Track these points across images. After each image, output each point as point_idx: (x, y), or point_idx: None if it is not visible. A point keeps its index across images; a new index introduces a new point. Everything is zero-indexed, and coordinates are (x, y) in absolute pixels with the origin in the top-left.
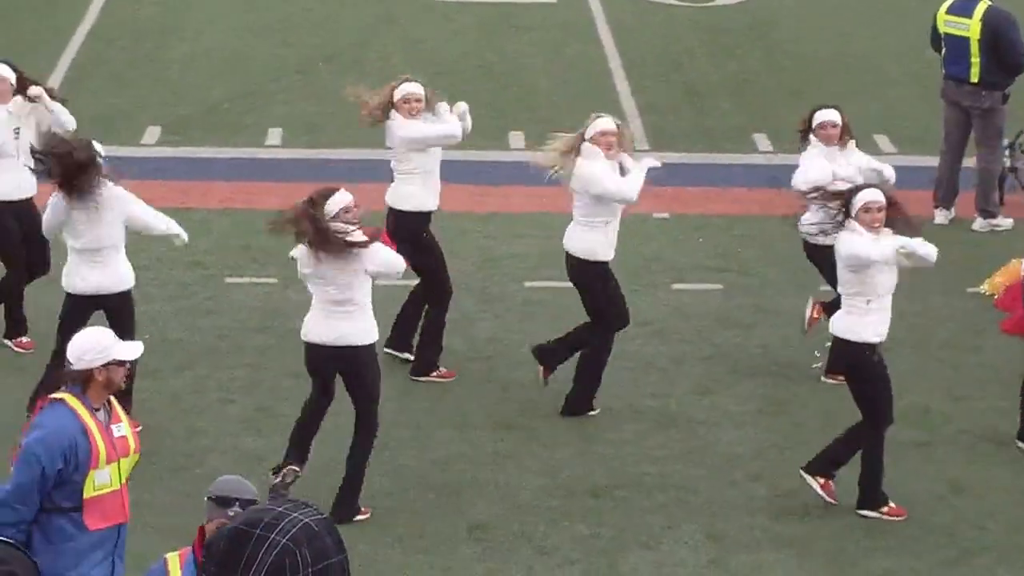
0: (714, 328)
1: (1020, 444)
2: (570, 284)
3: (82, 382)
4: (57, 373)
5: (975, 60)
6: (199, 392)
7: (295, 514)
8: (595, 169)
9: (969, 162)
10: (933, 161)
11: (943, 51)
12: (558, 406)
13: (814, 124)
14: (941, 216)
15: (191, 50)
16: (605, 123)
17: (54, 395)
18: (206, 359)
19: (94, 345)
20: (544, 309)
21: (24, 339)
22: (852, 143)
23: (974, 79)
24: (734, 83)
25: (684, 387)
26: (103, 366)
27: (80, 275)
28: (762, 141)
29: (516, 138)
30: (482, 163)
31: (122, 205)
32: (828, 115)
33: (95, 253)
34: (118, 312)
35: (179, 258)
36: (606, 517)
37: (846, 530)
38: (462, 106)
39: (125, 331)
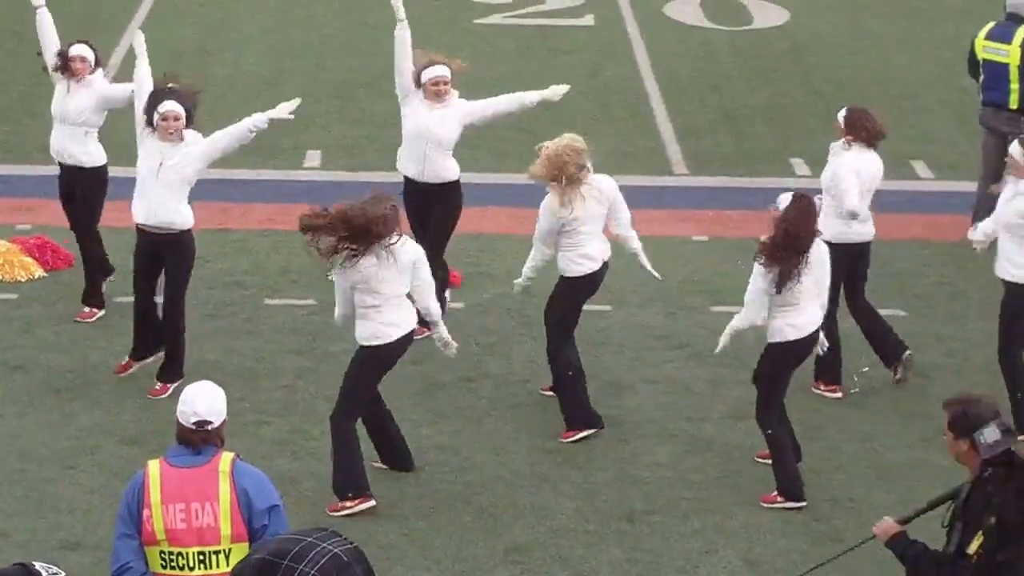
0: (752, 352)
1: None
2: (601, 307)
3: (223, 437)
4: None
5: (1015, 86)
6: (234, 413)
7: (324, 544)
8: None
9: None
10: (970, 186)
11: (981, 77)
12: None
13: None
14: None
15: (229, 72)
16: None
17: (232, 456)
18: (242, 380)
19: (223, 395)
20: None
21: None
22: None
23: (1013, 105)
24: (771, 107)
25: (720, 411)
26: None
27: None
28: (799, 165)
29: None
30: (520, 186)
31: None
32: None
33: None
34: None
35: (218, 278)
36: (643, 541)
37: (884, 554)
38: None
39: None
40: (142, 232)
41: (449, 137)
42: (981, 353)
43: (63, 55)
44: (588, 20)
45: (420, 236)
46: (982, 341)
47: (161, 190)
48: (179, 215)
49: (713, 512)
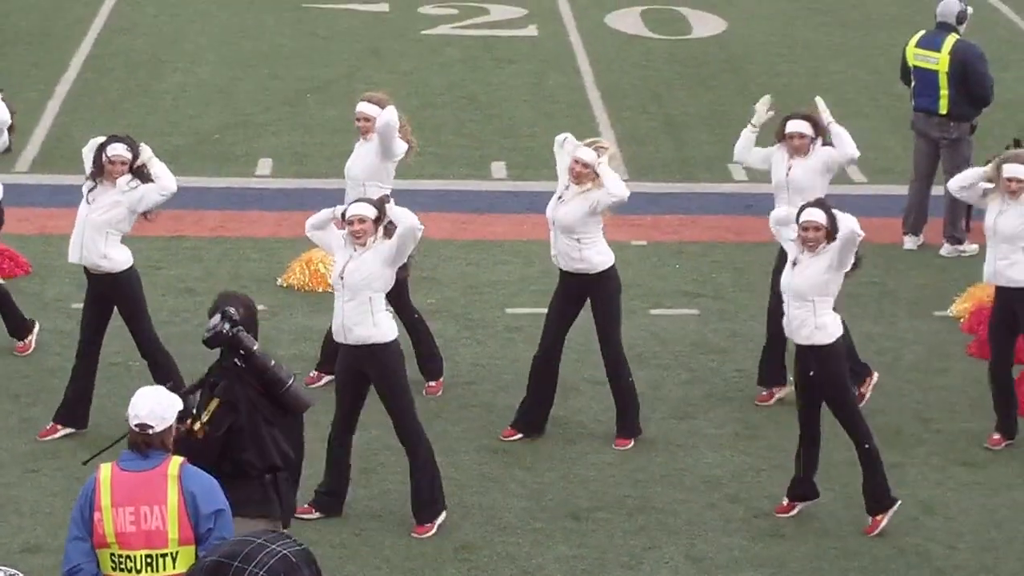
0: (691, 353)
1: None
2: (544, 311)
3: (167, 443)
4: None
5: (944, 92)
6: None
7: (272, 546)
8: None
9: (937, 190)
10: (902, 190)
11: (912, 83)
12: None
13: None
14: (910, 242)
15: (183, 81)
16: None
17: (181, 462)
18: None
19: (172, 401)
20: (525, 335)
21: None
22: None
23: (943, 111)
24: (710, 115)
25: (663, 411)
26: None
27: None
28: (737, 171)
29: (498, 168)
30: (465, 192)
31: None
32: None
33: None
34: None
35: (171, 285)
36: (588, 538)
37: (821, 550)
38: None
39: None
40: None
41: None
42: (912, 352)
43: None
44: (532, 31)
45: None
46: (912, 340)
47: None
48: None
49: (657, 510)
